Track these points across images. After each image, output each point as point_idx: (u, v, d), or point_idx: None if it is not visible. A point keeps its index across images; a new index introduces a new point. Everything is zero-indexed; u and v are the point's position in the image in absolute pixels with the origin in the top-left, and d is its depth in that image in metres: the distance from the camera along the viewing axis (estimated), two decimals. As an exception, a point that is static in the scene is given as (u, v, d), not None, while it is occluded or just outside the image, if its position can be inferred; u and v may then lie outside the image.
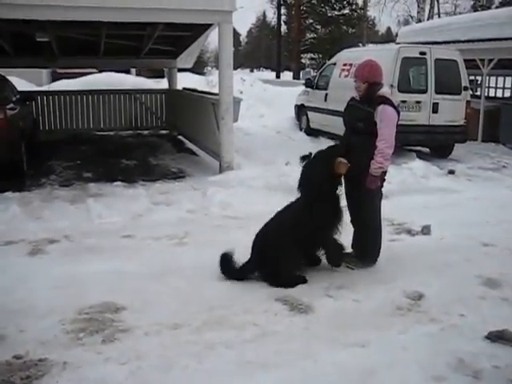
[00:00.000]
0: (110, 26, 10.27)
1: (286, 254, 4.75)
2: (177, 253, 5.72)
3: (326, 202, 4.92)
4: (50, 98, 14.48)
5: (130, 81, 19.69)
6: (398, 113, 5.08)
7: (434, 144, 11.76)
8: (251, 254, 4.93)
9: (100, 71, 20.64)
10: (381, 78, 5.14)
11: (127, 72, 23.60)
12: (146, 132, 15.11)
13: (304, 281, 4.88)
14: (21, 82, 18.40)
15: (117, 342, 3.82)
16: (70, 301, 4.42)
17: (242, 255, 4.98)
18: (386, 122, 4.94)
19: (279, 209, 5.09)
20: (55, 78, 23.46)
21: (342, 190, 5.10)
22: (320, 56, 41.94)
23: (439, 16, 39.14)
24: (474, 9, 45.77)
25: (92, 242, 5.99)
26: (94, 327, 4.01)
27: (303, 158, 5.09)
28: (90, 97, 14.78)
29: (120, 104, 15.08)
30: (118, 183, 8.56)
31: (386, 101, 5.00)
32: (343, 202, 5.18)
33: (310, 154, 5.09)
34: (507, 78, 17.83)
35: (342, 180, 5.09)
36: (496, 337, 3.88)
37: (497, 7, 42.01)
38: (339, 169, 4.94)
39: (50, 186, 8.53)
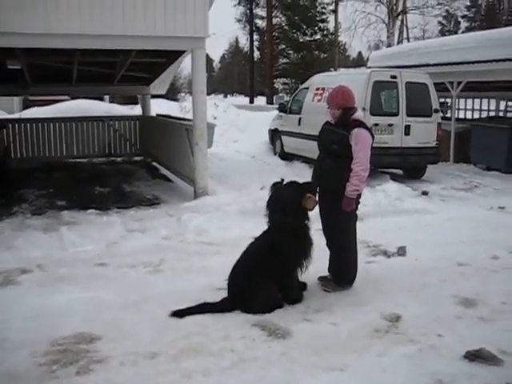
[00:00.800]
0: (82, 53, 10.25)
1: (258, 280, 4.70)
2: (152, 280, 5.65)
3: (292, 231, 4.88)
4: (22, 125, 14.34)
5: (103, 107, 19.64)
6: (372, 136, 5.13)
7: (407, 166, 11.91)
8: (228, 292, 4.89)
9: (73, 98, 20.54)
10: (353, 102, 5.20)
11: (100, 99, 23.55)
12: (119, 159, 15.02)
13: (280, 305, 4.84)
14: (-8, 110, 18.26)
15: (91, 373, 3.73)
16: (42, 332, 4.31)
17: (218, 281, 4.95)
18: (361, 144, 4.98)
19: (252, 241, 5.06)
20: (27, 105, 23.28)
21: (309, 222, 5.05)
22: (293, 81, 42.36)
23: (408, 40, 40.01)
24: (442, 34, 47.02)
25: (66, 271, 5.87)
26: (67, 359, 3.91)
27: (275, 184, 5.11)
28: (63, 124, 14.68)
29: (93, 131, 14.99)
30: (92, 211, 8.45)
31: (361, 124, 5.07)
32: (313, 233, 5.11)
33: (282, 180, 5.11)
34: (476, 99, 18.25)
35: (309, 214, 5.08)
36: (474, 356, 3.89)
37: (463, 32, 43.21)
38: (308, 204, 4.97)
39: (22, 215, 8.37)
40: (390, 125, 11.04)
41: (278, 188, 5.03)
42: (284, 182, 5.06)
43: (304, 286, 5.21)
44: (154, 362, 3.87)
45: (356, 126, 5.02)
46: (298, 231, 4.92)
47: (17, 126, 14.24)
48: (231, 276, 4.89)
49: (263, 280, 4.71)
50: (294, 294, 5.01)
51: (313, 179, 5.29)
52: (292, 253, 4.85)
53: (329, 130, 5.24)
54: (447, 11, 45.07)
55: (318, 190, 5.19)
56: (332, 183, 5.07)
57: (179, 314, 4.62)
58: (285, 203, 4.89)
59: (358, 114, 5.20)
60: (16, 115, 18.39)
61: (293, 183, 5.10)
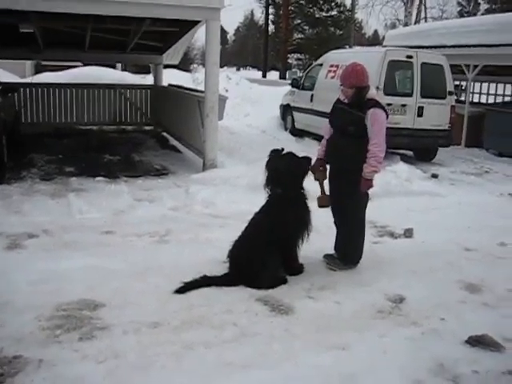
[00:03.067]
0: (96, 19, 10.17)
1: (262, 255, 4.68)
2: (158, 250, 5.66)
3: (289, 201, 4.88)
4: (34, 90, 14.26)
5: (115, 75, 19.52)
6: (387, 115, 5.07)
7: (418, 147, 11.82)
8: (229, 267, 4.87)
9: (85, 65, 20.44)
10: (367, 81, 5.08)
11: (113, 67, 23.43)
12: (129, 128, 14.98)
13: (285, 281, 4.84)
14: (3, 73, 18.19)
15: (94, 339, 3.76)
16: (47, 297, 4.34)
17: (223, 254, 4.95)
18: (378, 126, 4.91)
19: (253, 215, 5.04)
20: (39, 70, 23.21)
21: (305, 191, 5.03)
22: (307, 56, 42.10)
23: (426, 21, 39.42)
24: (461, 15, 46.27)
25: (72, 238, 5.89)
26: (71, 324, 3.93)
27: (274, 150, 5.06)
28: (74, 90, 14.59)
29: (104, 98, 14.90)
30: (100, 178, 8.47)
31: (377, 104, 4.98)
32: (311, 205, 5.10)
33: (282, 149, 5.06)
34: (491, 84, 18.01)
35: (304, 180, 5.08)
36: (476, 341, 3.89)
37: (482, 14, 42.48)
38: (323, 202, 5.08)
39: (31, 180, 8.40)
40: (403, 105, 10.93)
41: (273, 157, 5.00)
42: (283, 152, 5.02)
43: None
44: (156, 332, 3.89)
45: (372, 106, 4.93)
46: (295, 201, 4.91)
47: (28, 90, 14.15)
48: (234, 251, 4.88)
49: (267, 255, 4.70)
50: (295, 264, 5.03)
51: (326, 158, 5.25)
52: (292, 222, 4.83)
53: (343, 110, 5.11)
54: (467, -8, 44.31)
55: (328, 168, 5.17)
56: (348, 163, 5.02)
57: (182, 290, 4.59)
58: (280, 173, 4.87)
59: (372, 93, 5.10)
60: (28, 80, 18.30)
61: (289, 153, 5.06)
